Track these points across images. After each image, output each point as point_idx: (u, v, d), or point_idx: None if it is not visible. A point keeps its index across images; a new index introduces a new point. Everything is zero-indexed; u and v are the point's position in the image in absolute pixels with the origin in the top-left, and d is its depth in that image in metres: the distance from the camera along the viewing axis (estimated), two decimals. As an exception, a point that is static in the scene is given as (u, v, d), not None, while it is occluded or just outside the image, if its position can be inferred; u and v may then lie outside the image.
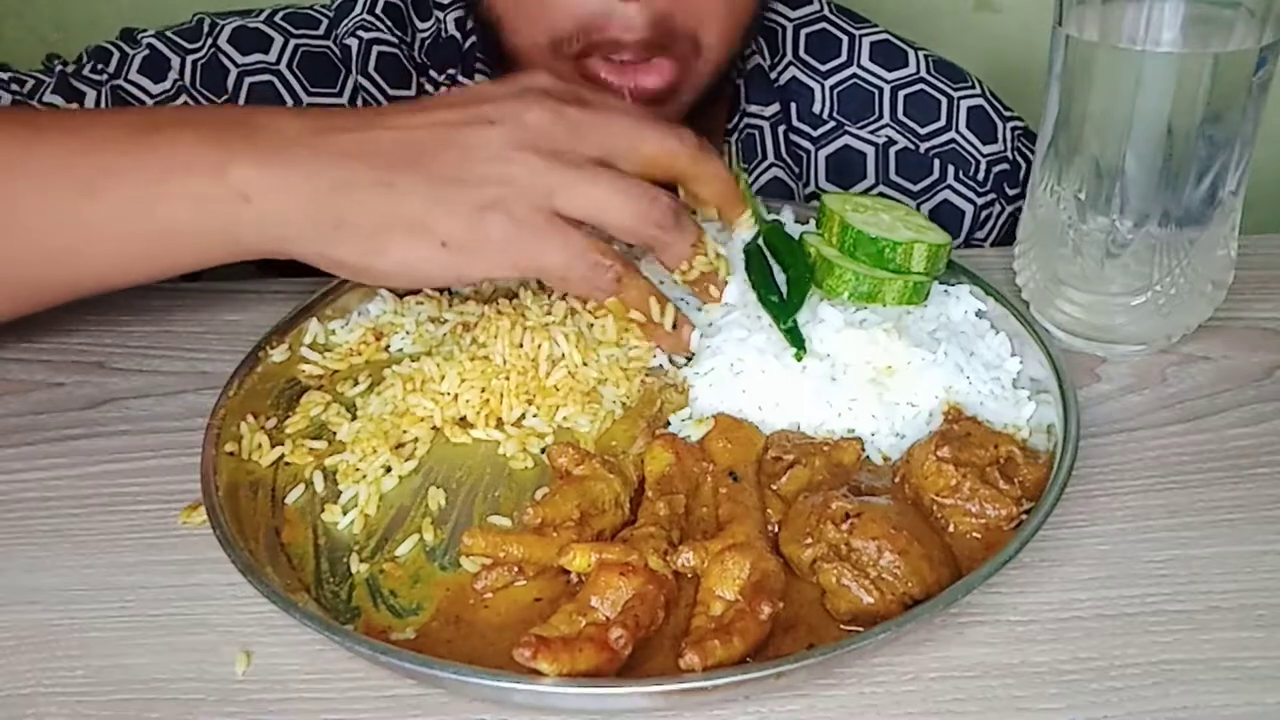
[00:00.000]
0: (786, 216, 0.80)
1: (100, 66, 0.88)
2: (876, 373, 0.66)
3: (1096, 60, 0.65)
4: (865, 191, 1.02)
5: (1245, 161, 0.68)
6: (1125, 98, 0.65)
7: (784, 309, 0.68)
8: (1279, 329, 0.77)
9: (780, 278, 0.71)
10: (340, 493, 0.63)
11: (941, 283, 0.73)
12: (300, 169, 0.62)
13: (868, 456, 0.64)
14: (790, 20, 1.02)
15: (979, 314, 0.73)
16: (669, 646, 0.53)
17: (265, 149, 0.63)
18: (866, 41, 1.02)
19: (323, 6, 0.98)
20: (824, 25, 1.02)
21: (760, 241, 0.74)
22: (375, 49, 0.95)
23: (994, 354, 0.70)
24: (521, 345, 0.69)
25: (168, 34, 0.91)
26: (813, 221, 0.76)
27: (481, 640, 0.54)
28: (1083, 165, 0.68)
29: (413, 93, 0.97)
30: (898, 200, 0.98)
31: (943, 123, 1.02)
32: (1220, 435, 0.68)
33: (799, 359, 0.66)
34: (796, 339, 0.67)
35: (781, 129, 1.01)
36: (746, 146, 1.00)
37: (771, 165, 1.00)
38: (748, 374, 0.67)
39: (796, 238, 0.73)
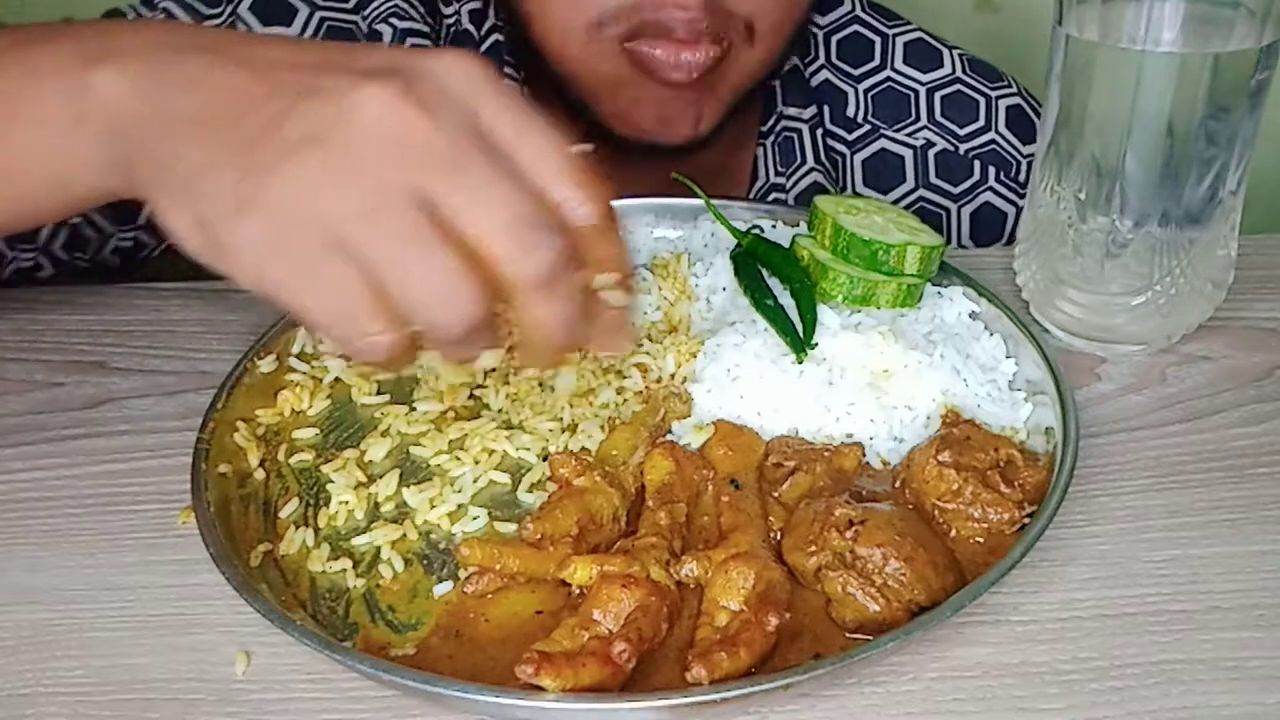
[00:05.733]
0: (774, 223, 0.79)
1: None
2: (874, 376, 0.66)
3: (1096, 60, 0.65)
4: (905, 195, 1.00)
5: (1245, 161, 0.68)
6: (1125, 98, 0.65)
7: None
8: (1279, 329, 0.77)
9: (772, 283, 0.71)
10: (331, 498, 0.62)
11: (934, 284, 0.72)
12: (140, 93, 0.50)
13: (867, 461, 0.64)
14: (820, 27, 1.01)
15: (973, 315, 0.72)
16: (673, 659, 0.52)
17: (112, 71, 0.51)
18: (900, 42, 1.00)
19: None
20: (856, 28, 1.00)
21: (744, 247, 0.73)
22: (409, 40, 0.92)
23: (989, 356, 0.70)
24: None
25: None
26: (803, 224, 0.76)
27: (483, 655, 0.53)
28: (1083, 165, 0.68)
29: None
30: (937, 203, 0.98)
31: (982, 123, 1.00)
32: (1220, 435, 0.68)
33: (800, 362, 0.66)
34: (798, 343, 0.67)
35: (819, 131, 0.99)
36: (784, 150, 0.99)
37: (811, 170, 0.99)
38: (745, 379, 0.66)
39: (788, 243, 0.73)
